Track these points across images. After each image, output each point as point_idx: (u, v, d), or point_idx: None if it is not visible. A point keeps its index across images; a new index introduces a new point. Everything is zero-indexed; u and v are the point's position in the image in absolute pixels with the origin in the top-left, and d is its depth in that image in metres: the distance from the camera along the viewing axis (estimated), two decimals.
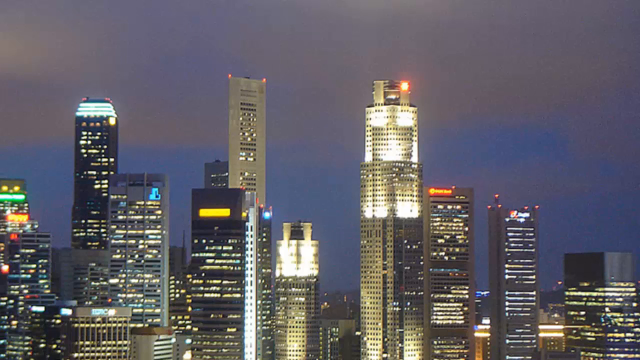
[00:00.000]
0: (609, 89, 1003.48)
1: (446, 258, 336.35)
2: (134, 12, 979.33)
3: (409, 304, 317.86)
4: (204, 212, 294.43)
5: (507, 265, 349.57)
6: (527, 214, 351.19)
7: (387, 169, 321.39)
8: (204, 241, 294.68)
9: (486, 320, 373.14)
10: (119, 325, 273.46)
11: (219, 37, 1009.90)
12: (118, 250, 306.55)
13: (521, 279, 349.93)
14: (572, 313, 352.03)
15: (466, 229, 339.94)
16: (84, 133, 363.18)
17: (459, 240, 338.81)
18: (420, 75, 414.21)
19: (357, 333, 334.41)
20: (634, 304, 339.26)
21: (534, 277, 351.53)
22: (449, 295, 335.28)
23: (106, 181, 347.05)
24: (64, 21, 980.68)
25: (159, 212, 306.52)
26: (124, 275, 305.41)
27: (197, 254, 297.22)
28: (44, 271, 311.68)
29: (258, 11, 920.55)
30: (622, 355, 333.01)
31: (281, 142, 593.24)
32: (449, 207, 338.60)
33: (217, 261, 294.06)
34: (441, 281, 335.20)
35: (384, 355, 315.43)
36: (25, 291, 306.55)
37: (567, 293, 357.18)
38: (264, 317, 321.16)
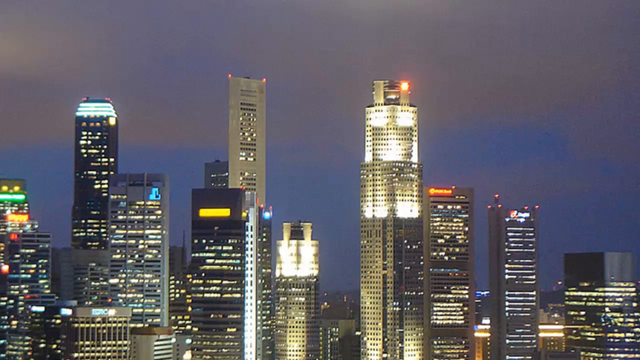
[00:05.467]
0: (609, 89, 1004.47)
1: (446, 258, 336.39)
2: (134, 12, 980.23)
3: (409, 304, 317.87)
4: (204, 212, 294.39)
5: (507, 265, 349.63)
6: (527, 214, 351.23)
7: (387, 169, 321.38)
8: (204, 241, 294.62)
9: (486, 320, 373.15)
10: (119, 325, 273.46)
11: (219, 37, 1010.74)
12: (118, 250, 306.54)
13: (521, 279, 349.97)
14: (572, 313, 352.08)
15: (466, 229, 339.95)
16: (84, 133, 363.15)
17: (459, 240, 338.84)
18: (420, 75, 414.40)
19: (357, 333, 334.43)
20: (634, 304, 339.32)
21: (534, 277, 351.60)
22: (449, 295, 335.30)
23: (106, 181, 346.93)
24: (64, 21, 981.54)
25: (159, 212, 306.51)
26: (124, 275, 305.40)
27: (197, 254, 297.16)
28: (44, 271, 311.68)
29: (258, 11, 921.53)
30: (622, 355, 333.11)
31: (281, 142, 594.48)
32: (449, 207, 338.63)
33: (217, 261, 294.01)
34: (441, 281, 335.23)
35: (384, 355, 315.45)
36: (25, 291, 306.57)
37: (567, 293, 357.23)
38: (264, 317, 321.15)
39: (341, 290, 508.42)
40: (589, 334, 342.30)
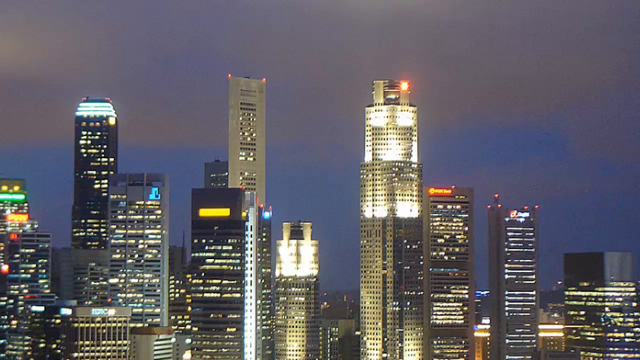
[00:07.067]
0: (609, 89, 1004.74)
1: (446, 258, 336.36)
2: (134, 12, 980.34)
3: (409, 304, 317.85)
4: (204, 212, 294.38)
5: (507, 265, 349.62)
6: (527, 214, 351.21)
7: (387, 169, 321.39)
8: (204, 241, 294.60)
9: (486, 320, 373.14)
10: (119, 325, 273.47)
11: (219, 37, 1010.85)
12: (118, 250, 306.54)
13: (521, 279, 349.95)
14: (572, 313, 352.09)
15: (466, 229, 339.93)
16: (84, 133, 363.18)
17: (459, 240, 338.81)
18: (420, 75, 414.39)
19: (357, 333, 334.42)
20: (634, 304, 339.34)
21: (534, 277, 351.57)
22: (449, 295, 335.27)
23: (106, 181, 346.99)
24: (64, 21, 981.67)
25: (159, 212, 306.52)
26: (124, 275, 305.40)
27: (197, 254, 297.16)
28: (44, 271, 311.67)
29: (258, 11, 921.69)
30: (622, 355, 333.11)
31: (281, 142, 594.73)
32: (449, 207, 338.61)
33: (217, 261, 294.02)
34: (441, 281, 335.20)
35: (384, 355, 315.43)
36: (25, 291, 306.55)
37: (567, 293, 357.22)
38: (264, 317, 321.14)
39: (341, 290, 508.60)
40: (589, 334, 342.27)
